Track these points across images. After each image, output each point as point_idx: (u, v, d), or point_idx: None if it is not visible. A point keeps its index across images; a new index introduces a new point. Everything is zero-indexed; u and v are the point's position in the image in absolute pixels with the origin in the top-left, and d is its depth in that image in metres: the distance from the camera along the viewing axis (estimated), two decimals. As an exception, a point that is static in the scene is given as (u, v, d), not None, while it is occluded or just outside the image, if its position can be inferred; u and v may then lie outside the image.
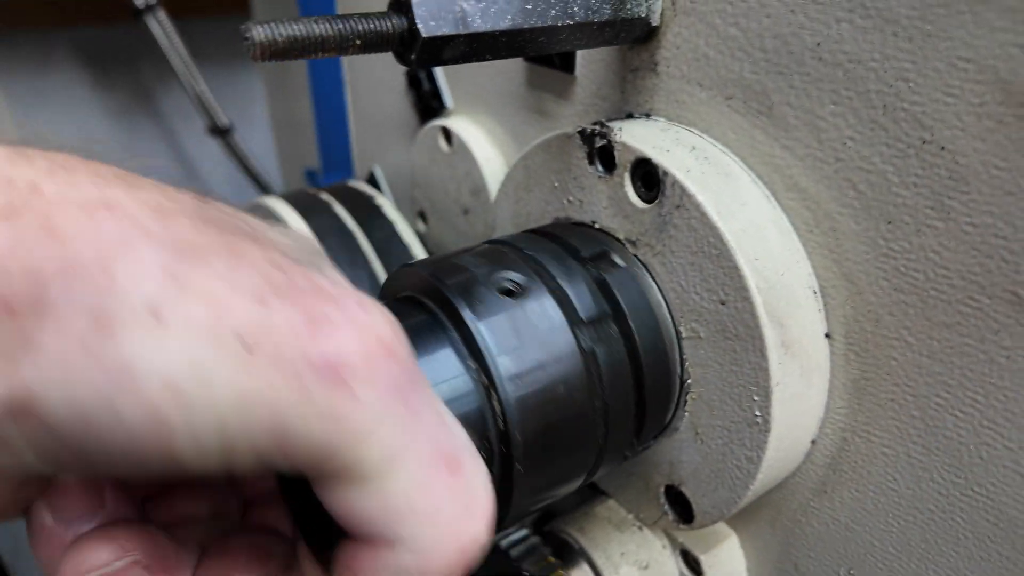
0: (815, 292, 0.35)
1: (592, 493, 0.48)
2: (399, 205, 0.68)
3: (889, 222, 0.31)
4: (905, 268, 0.31)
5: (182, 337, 0.19)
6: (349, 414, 0.21)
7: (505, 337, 0.32)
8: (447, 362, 0.32)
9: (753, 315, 0.33)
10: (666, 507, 0.41)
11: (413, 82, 0.59)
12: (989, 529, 0.32)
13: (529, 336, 0.33)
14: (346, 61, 0.75)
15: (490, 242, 0.39)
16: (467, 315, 0.32)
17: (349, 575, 0.24)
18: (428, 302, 0.34)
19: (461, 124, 0.56)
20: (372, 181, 0.74)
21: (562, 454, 0.34)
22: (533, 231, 0.40)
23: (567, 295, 0.35)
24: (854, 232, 0.33)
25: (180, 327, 0.19)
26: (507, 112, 0.53)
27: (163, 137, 1.45)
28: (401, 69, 0.63)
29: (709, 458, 0.37)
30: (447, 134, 0.56)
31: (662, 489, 0.41)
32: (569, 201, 0.41)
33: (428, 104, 0.59)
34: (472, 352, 0.32)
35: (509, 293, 0.34)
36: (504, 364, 0.32)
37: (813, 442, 0.38)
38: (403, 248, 0.59)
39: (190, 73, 1.15)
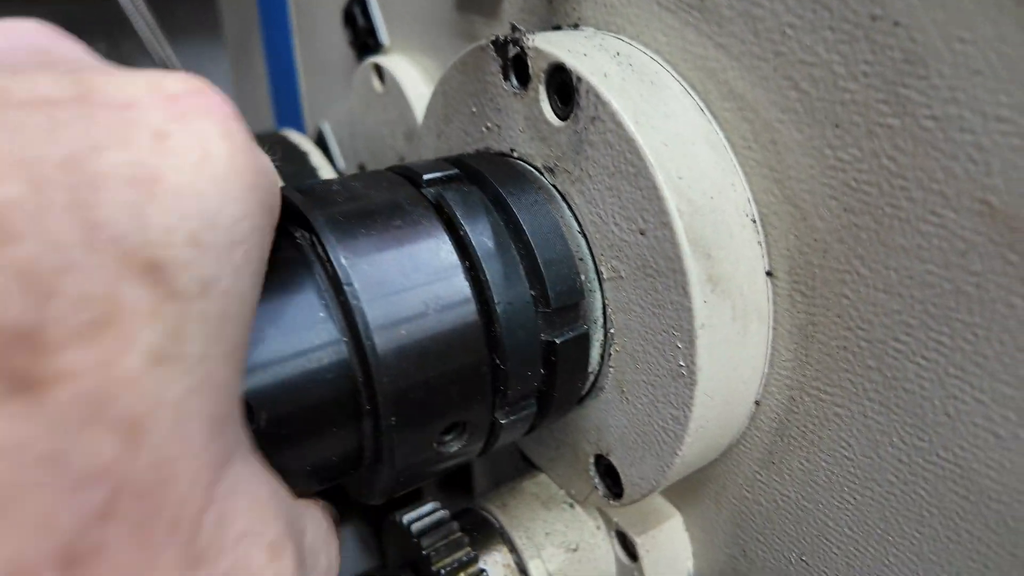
0: (754, 221, 0.29)
1: (528, 468, 0.43)
2: (348, 164, 0.63)
3: (836, 125, 0.26)
4: (856, 182, 0.26)
5: None
6: None
7: (381, 278, 0.27)
8: (308, 306, 0.27)
9: (673, 243, 0.27)
10: (596, 480, 0.36)
11: (348, 18, 0.54)
12: (957, 503, 0.26)
13: (411, 279, 0.28)
14: (294, 11, 0.69)
15: (391, 168, 0.33)
16: (335, 251, 0.27)
17: None
18: (297, 233, 0.29)
19: (394, 61, 0.51)
20: (320, 140, 0.69)
21: (446, 414, 0.28)
22: (443, 159, 0.35)
23: (465, 231, 0.30)
24: (797, 143, 0.27)
25: None
26: (439, 43, 0.47)
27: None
28: (341, 7, 0.58)
29: (635, 420, 0.32)
30: (380, 72, 0.51)
31: (591, 460, 0.36)
32: (487, 128, 0.36)
33: (364, 42, 0.54)
34: (338, 295, 0.27)
35: (395, 226, 0.29)
36: (375, 310, 0.27)
37: (757, 403, 0.32)
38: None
39: (159, 44, 1.10)
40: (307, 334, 0.26)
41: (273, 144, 0.56)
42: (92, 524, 0.14)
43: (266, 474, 0.22)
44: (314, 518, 0.24)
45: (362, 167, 0.58)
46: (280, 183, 0.26)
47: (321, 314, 0.27)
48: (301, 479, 0.28)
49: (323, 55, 0.65)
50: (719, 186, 0.28)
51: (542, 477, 0.41)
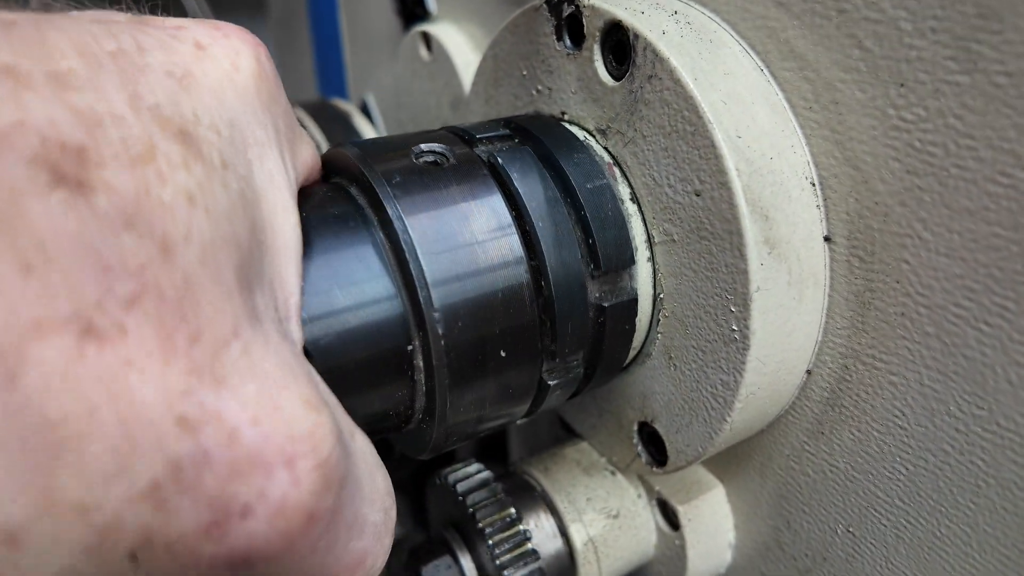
0: (813, 184, 0.29)
1: (567, 436, 0.43)
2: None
3: (901, 84, 0.25)
4: (920, 143, 0.25)
5: None
6: None
7: (437, 237, 0.27)
8: (365, 261, 0.27)
9: (731, 204, 0.27)
10: (639, 448, 0.35)
11: (395, -15, 0.54)
12: (1016, 474, 0.26)
13: (466, 237, 0.28)
14: (340, -19, 0.69)
15: (444, 128, 0.33)
16: (392, 207, 0.27)
17: None
18: (354, 190, 0.29)
19: (442, 29, 0.50)
20: (365, 111, 0.69)
21: (497, 373, 0.28)
22: (495, 120, 0.34)
23: (517, 190, 0.29)
24: (859, 103, 0.27)
25: None
26: (487, 10, 0.47)
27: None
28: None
29: (682, 386, 0.32)
30: (427, 40, 0.51)
31: (635, 427, 0.35)
32: (538, 91, 0.35)
33: (411, 10, 0.54)
34: (396, 251, 0.27)
35: (450, 184, 0.29)
36: (432, 266, 0.27)
37: (808, 372, 0.32)
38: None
39: (203, 13, 1.11)
40: (364, 288, 0.26)
41: (316, 110, 0.56)
42: (116, 307, 0.16)
43: (307, 365, 0.22)
44: (364, 437, 0.24)
45: (406, 137, 0.58)
46: (296, 124, 0.27)
47: (378, 268, 0.27)
48: None
49: (369, 24, 0.65)
50: (778, 147, 0.28)
51: (583, 444, 0.41)
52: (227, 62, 0.22)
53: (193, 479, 0.17)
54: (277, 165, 0.24)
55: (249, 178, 0.21)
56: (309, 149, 0.29)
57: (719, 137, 0.27)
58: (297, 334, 0.23)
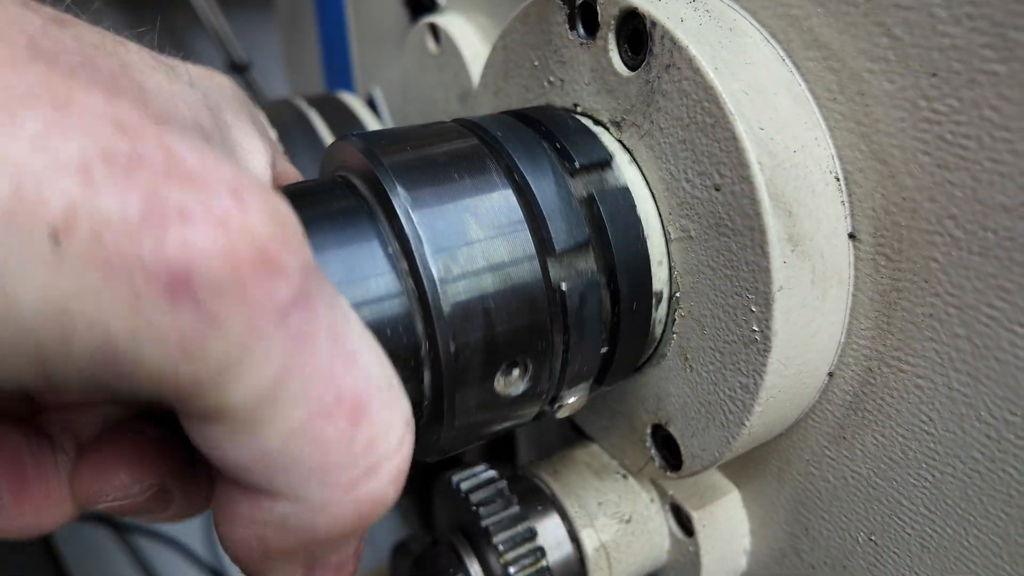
0: (837, 179, 0.28)
1: (577, 438, 0.42)
2: (398, 130, 0.62)
3: (933, 74, 0.24)
4: (952, 135, 0.24)
5: None
6: (202, 342, 0.16)
7: (446, 232, 0.26)
8: (370, 257, 0.26)
9: (753, 199, 0.26)
10: (652, 451, 0.34)
11: (402, -24, 0.53)
12: (1051, 483, 0.25)
13: (475, 233, 0.27)
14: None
15: (454, 120, 0.32)
16: (399, 201, 0.26)
17: (227, 517, 0.20)
18: (359, 183, 0.28)
19: (450, 20, 0.49)
20: (372, 106, 0.68)
21: (506, 373, 0.27)
22: (506, 112, 0.33)
23: (529, 187, 0.28)
24: (887, 94, 0.25)
25: None
26: (497, 0, 0.46)
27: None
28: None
29: (699, 389, 0.30)
30: (435, 32, 0.50)
31: (648, 429, 0.34)
32: (550, 82, 0.34)
33: (419, 1, 0.52)
34: (403, 247, 0.26)
35: (459, 177, 0.28)
36: (440, 263, 0.26)
37: (830, 375, 0.30)
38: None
39: (211, 11, 1.11)
40: (368, 284, 0.25)
41: (322, 104, 0.55)
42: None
43: None
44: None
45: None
46: (277, 145, 0.27)
47: (384, 265, 0.26)
48: None
49: (375, 16, 0.64)
50: (802, 140, 0.27)
51: (594, 447, 0.40)
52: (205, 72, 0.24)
53: (125, 168, 0.15)
54: (252, 136, 0.23)
55: (223, 125, 0.22)
56: (289, 168, 0.29)
57: (741, 129, 0.26)
58: None
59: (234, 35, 1.15)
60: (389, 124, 0.64)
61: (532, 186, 0.28)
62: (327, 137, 0.54)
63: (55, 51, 0.17)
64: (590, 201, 0.29)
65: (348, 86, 0.75)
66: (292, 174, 0.31)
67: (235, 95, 0.24)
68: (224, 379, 0.16)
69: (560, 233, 0.28)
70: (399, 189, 0.26)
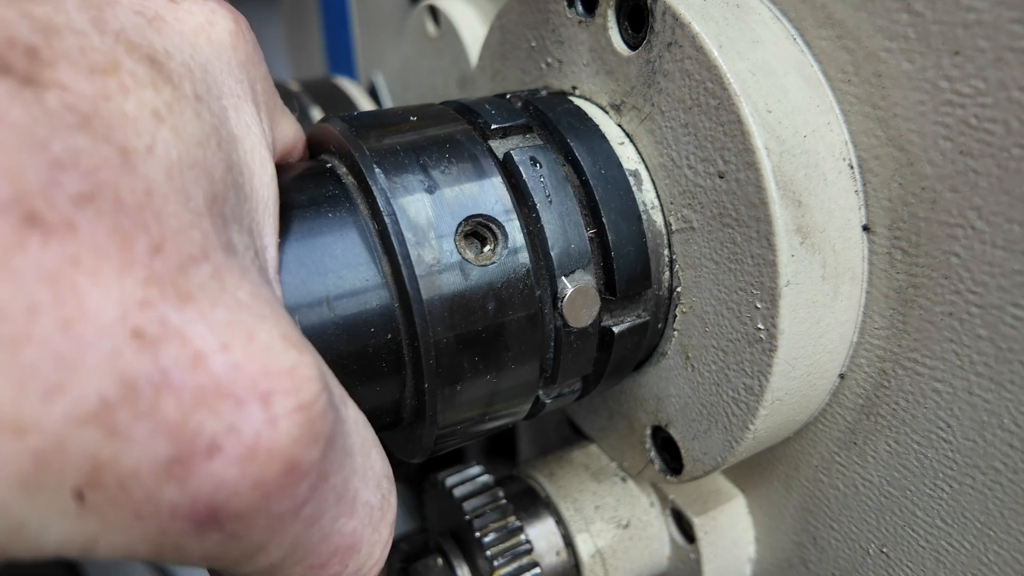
0: (851, 167, 0.26)
1: (576, 438, 0.40)
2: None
3: (956, 53, 0.22)
4: (977, 119, 0.22)
5: None
6: (223, 552, 0.16)
7: (428, 220, 0.24)
8: (350, 247, 0.24)
9: (759, 187, 0.24)
10: (652, 454, 0.33)
11: (403, -43, 0.51)
12: (1079, 497, 0.23)
13: (459, 222, 0.25)
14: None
15: (445, 102, 0.30)
16: (380, 189, 0.24)
17: None
18: (340, 168, 0.26)
19: (450, 2, 0.47)
20: (373, 92, 0.66)
21: (493, 371, 0.26)
22: (499, 95, 0.32)
23: (521, 173, 0.27)
24: (906, 75, 0.23)
25: None
26: (498, -20, 0.44)
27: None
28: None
29: (701, 389, 0.29)
30: (434, 14, 0.48)
31: (648, 431, 0.32)
32: (548, 64, 0.33)
33: (418, -18, 0.51)
34: (383, 237, 0.24)
35: (446, 164, 0.26)
36: (420, 255, 0.24)
37: (841, 376, 0.29)
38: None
39: None
40: (346, 276, 0.24)
41: (318, 89, 0.54)
42: (64, 200, 0.14)
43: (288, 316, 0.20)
44: (358, 410, 0.22)
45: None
46: (278, 97, 0.25)
47: (363, 256, 0.24)
48: None
49: (377, 2, 0.62)
50: (813, 124, 0.25)
51: (592, 447, 0.38)
52: (201, 17, 0.21)
53: (150, 403, 0.14)
54: (254, 120, 0.22)
55: (224, 120, 0.20)
56: (292, 125, 0.27)
57: (746, 111, 0.24)
58: (277, 290, 0.21)
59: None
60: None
61: (523, 173, 0.26)
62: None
63: (55, 216, 0.14)
64: (587, 191, 0.27)
65: (351, 72, 0.74)
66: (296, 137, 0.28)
67: (234, 61, 0.22)
68: (239, 565, 0.17)
69: (553, 228, 0.26)
70: (379, 175, 0.25)
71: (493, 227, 0.25)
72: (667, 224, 0.28)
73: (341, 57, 0.75)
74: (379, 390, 0.25)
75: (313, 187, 0.26)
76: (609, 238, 0.27)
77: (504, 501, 0.33)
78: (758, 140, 0.24)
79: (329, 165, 0.27)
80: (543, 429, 0.49)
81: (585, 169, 0.27)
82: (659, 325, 0.30)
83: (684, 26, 0.25)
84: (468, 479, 0.34)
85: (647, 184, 0.28)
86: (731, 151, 0.24)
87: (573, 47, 0.31)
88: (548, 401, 0.28)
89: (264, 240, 0.21)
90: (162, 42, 0.19)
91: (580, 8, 0.30)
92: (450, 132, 0.27)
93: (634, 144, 0.29)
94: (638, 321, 0.28)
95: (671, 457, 0.32)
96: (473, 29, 0.46)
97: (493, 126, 0.27)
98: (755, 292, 0.25)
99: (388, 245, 0.24)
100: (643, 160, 0.29)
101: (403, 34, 0.55)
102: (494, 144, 0.27)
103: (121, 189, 0.15)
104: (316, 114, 0.53)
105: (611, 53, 0.29)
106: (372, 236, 0.25)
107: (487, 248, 0.25)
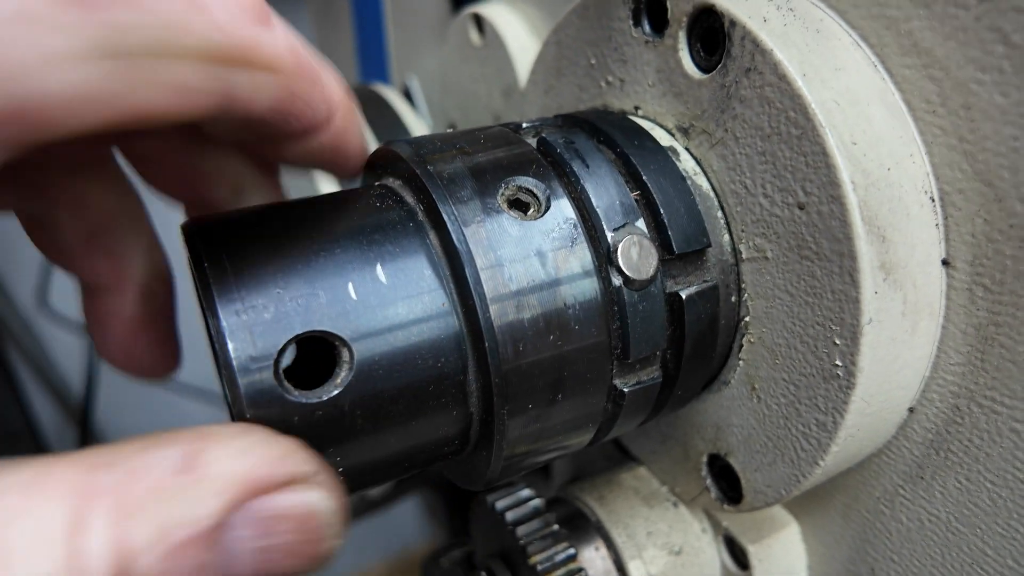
0: (933, 200, 0.25)
1: (623, 459, 0.39)
2: (437, 123, 0.60)
3: (1059, 89, 0.21)
4: (1078, 158, 0.21)
5: None
6: None
7: (497, 248, 0.24)
8: (418, 272, 0.24)
9: (844, 222, 0.23)
10: (708, 481, 0.32)
11: (446, -37, 0.50)
12: None
13: (530, 250, 0.24)
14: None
15: (504, 125, 0.30)
16: (448, 214, 0.24)
17: None
18: (406, 193, 0.26)
19: (496, 11, 0.47)
20: (407, 95, 0.65)
21: (559, 400, 0.25)
22: (563, 116, 0.31)
23: (588, 199, 0.26)
24: (999, 109, 0.23)
25: None
26: (549, -10, 0.43)
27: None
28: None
29: (767, 422, 0.28)
30: (479, 23, 0.47)
31: (704, 459, 0.32)
32: (608, 82, 0.32)
33: (461, -11, 0.50)
34: (452, 263, 0.24)
35: (512, 191, 0.26)
36: (491, 281, 0.23)
37: (911, 410, 0.28)
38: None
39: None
40: (413, 304, 0.23)
41: (359, 97, 0.53)
42: None
43: None
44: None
45: (452, 126, 0.55)
46: None
47: (431, 283, 0.24)
48: (400, 460, 0.25)
49: (415, 4, 0.62)
50: (897, 156, 0.24)
51: (641, 470, 0.38)
52: None
53: None
54: None
55: None
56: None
57: (832, 143, 0.23)
58: None
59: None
60: (426, 115, 0.61)
61: (592, 198, 0.26)
62: (365, 132, 0.51)
63: None
64: (653, 211, 0.27)
65: (383, 75, 0.73)
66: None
67: None
68: None
69: (624, 249, 0.25)
70: (448, 201, 0.24)
71: (561, 251, 0.25)
72: (736, 251, 0.28)
73: (373, 58, 0.75)
74: (446, 417, 0.25)
75: (379, 211, 0.25)
76: (670, 230, 0.26)
77: (556, 527, 0.32)
78: (844, 174, 0.23)
79: (395, 189, 0.26)
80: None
81: (651, 188, 0.26)
82: (724, 352, 0.29)
83: (765, 52, 0.24)
84: (519, 502, 0.33)
85: (716, 210, 0.28)
86: (814, 183, 0.24)
87: (638, 67, 0.30)
88: (626, 390, 0.27)
89: None
90: None
91: (647, 28, 0.29)
92: (514, 155, 0.27)
93: (702, 168, 0.28)
94: (706, 285, 0.27)
95: (728, 486, 0.31)
96: (519, 39, 0.45)
97: (545, 135, 0.27)
98: (834, 328, 0.24)
99: (457, 269, 0.24)
100: (711, 184, 0.28)
101: (443, 40, 0.54)
102: (549, 153, 0.27)
103: None
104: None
105: (681, 75, 0.28)
106: (440, 260, 0.24)
107: (555, 272, 0.25)
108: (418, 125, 0.55)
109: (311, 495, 0.19)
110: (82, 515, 0.15)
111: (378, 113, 0.53)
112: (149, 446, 0.17)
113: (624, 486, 0.36)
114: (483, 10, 0.47)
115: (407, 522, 1.00)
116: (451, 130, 0.47)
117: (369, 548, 1.02)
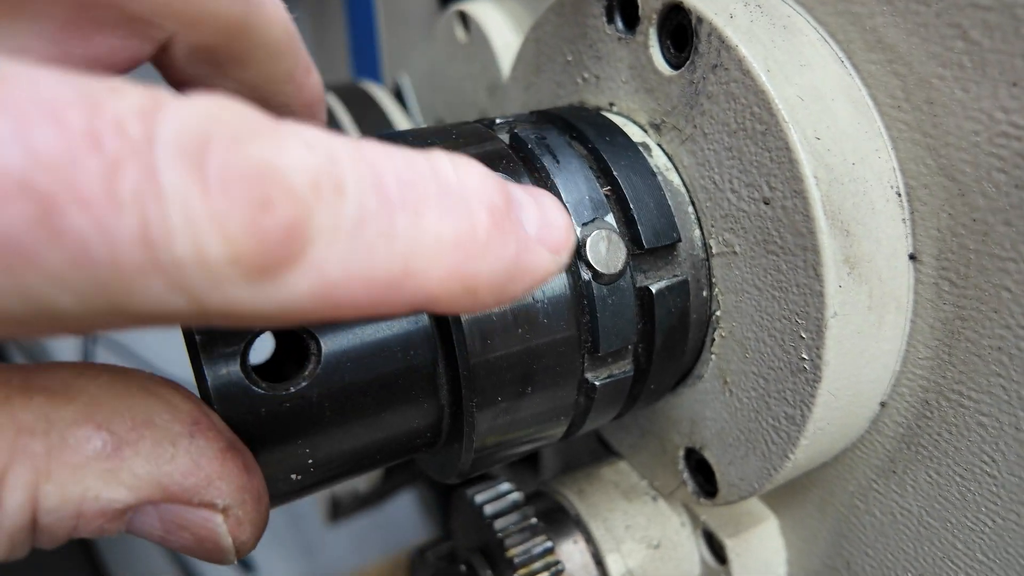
0: (899, 194, 0.25)
1: (605, 453, 0.40)
2: (426, 119, 0.60)
3: (1014, 84, 0.21)
4: (1036, 152, 0.21)
5: None
6: None
7: None
8: None
9: (807, 216, 0.23)
10: (685, 475, 0.32)
11: (433, -38, 0.50)
12: None
13: None
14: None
15: (478, 121, 0.30)
16: None
17: None
18: None
19: (480, 8, 0.47)
20: (399, 94, 0.66)
21: (529, 393, 0.25)
22: (537, 112, 0.31)
23: (558, 193, 0.26)
24: (960, 104, 0.23)
25: None
26: (532, -12, 0.44)
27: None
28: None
29: (739, 415, 0.28)
30: (464, 20, 0.47)
31: (681, 453, 0.32)
32: (584, 79, 0.32)
33: (448, -13, 0.50)
34: None
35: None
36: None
37: (883, 404, 0.28)
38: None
39: None
40: None
41: (347, 94, 0.53)
42: None
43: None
44: None
45: (439, 123, 0.55)
46: None
47: None
48: (371, 452, 0.25)
49: (404, 3, 0.62)
50: (861, 151, 0.24)
51: (621, 464, 0.38)
52: None
53: None
54: None
55: None
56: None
57: (795, 138, 0.23)
58: None
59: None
60: (417, 114, 0.62)
61: (563, 194, 0.26)
62: (352, 130, 0.52)
63: None
64: (622, 204, 0.27)
65: (375, 74, 0.73)
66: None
67: None
68: None
69: (592, 243, 0.26)
70: None
71: None
72: (707, 246, 0.28)
73: (366, 58, 0.75)
74: (415, 412, 0.25)
75: None
76: (639, 222, 0.26)
77: (535, 520, 0.33)
78: (807, 168, 0.23)
79: None
80: (569, 442, 0.49)
81: (620, 181, 0.27)
82: (697, 347, 0.29)
83: (730, 49, 0.24)
84: (498, 496, 0.34)
85: (687, 205, 0.28)
86: (778, 178, 0.24)
87: (612, 63, 0.30)
88: (598, 384, 0.27)
89: None
90: None
91: (620, 24, 0.29)
92: (484, 149, 0.27)
93: (673, 164, 0.28)
94: (676, 280, 0.27)
95: (705, 480, 0.31)
96: (504, 36, 0.45)
97: (516, 130, 0.27)
98: (800, 322, 0.25)
99: None
100: (683, 180, 0.28)
101: (431, 37, 0.55)
102: (519, 147, 0.28)
103: None
104: (343, 116, 0.52)
105: (652, 72, 0.28)
106: None
107: None
108: (405, 123, 0.55)
109: (217, 525, 0.19)
110: (4, 473, 0.16)
111: (364, 111, 0.53)
112: (80, 420, 0.18)
113: (604, 480, 0.36)
114: (468, 7, 0.47)
115: (405, 519, 1.00)
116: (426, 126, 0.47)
117: (366, 546, 1.02)
